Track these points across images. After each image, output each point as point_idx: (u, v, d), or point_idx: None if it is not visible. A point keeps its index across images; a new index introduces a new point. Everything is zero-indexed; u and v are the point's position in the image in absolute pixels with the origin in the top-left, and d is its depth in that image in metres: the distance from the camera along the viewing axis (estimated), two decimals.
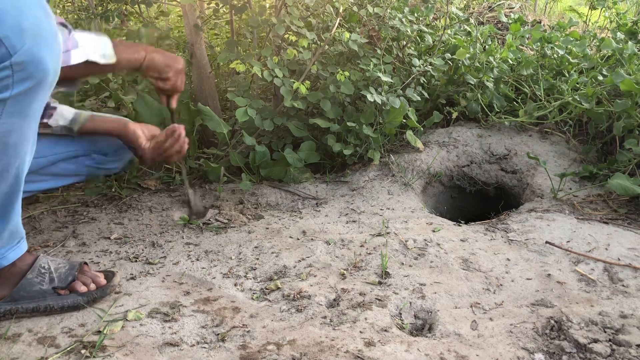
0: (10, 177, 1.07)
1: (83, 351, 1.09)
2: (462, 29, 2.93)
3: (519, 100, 2.40)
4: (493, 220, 1.82)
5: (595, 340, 1.13)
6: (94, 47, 1.26)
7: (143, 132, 1.51)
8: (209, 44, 2.49)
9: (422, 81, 2.41)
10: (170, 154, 1.52)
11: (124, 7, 2.30)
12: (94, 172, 1.57)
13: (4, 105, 0.97)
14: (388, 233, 1.66)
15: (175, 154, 1.53)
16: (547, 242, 1.56)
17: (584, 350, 1.11)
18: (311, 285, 1.37)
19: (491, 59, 2.45)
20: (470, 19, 3.04)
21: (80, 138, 1.48)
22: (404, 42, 2.48)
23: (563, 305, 1.27)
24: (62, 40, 1.16)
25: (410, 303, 1.30)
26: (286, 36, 2.15)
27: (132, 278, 1.40)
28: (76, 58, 1.22)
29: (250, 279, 1.42)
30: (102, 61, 1.26)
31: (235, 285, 1.39)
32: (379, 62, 2.17)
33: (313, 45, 2.14)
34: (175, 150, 1.52)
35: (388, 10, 2.29)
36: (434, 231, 1.67)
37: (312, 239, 1.63)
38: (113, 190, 1.97)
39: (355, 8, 2.27)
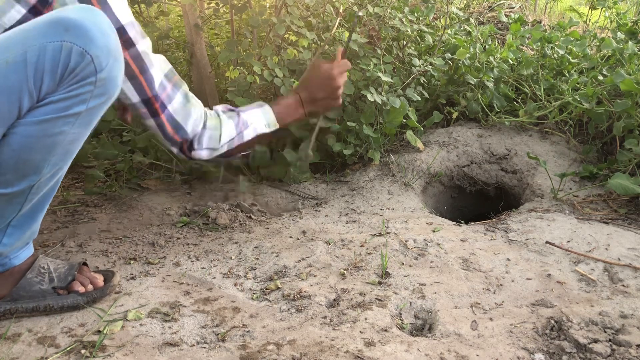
0: (54, 179, 1.13)
1: (83, 351, 1.09)
2: (462, 28, 2.93)
3: (519, 100, 2.40)
4: (493, 220, 1.82)
5: (595, 340, 1.13)
6: (259, 121, 1.43)
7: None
8: (209, 43, 2.48)
9: (422, 81, 2.40)
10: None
11: None
12: None
13: (77, 117, 1.05)
14: (388, 233, 1.66)
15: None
16: (547, 242, 1.56)
17: (584, 350, 1.11)
18: (311, 285, 1.37)
19: (491, 59, 2.45)
20: (471, 18, 3.04)
21: None
22: (404, 42, 2.48)
23: (563, 305, 1.27)
24: (234, 125, 1.37)
25: (410, 303, 1.30)
26: (286, 36, 2.15)
27: (132, 278, 1.40)
28: (247, 136, 1.41)
29: (250, 279, 1.42)
30: (267, 130, 1.44)
31: (235, 285, 1.39)
32: (379, 62, 2.17)
33: (313, 45, 2.14)
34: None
35: (388, 10, 2.29)
36: (434, 231, 1.67)
37: (312, 239, 1.63)
38: (113, 190, 1.97)
39: (355, 8, 2.27)
